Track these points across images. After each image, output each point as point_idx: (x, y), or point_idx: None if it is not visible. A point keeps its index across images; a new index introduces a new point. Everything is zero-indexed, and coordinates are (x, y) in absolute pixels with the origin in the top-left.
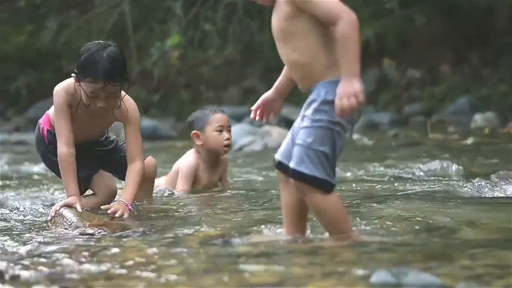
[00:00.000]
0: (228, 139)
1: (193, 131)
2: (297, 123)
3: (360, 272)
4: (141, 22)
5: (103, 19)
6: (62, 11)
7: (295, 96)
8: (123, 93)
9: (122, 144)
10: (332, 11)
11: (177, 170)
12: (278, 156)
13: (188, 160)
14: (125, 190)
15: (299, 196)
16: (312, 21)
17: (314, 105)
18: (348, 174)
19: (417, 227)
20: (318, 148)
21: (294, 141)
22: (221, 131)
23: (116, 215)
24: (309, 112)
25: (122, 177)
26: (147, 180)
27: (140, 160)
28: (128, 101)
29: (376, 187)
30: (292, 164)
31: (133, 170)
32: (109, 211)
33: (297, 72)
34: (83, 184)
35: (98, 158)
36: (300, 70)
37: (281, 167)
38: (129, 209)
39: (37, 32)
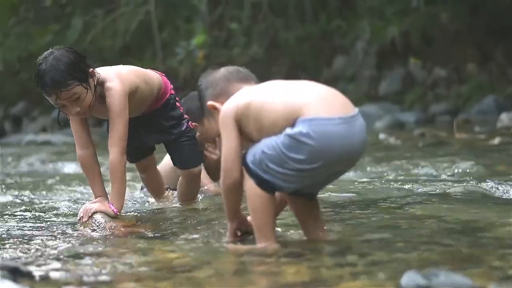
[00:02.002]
0: None
1: (192, 124)
2: None
3: (390, 273)
4: (166, 21)
5: (128, 18)
6: (88, 10)
7: None
8: (108, 81)
9: (188, 127)
10: None
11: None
12: None
13: None
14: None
15: (306, 203)
16: None
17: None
18: (375, 174)
19: (446, 227)
20: (265, 161)
21: None
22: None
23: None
24: None
25: (181, 165)
26: (189, 180)
27: (112, 150)
28: (110, 90)
29: (403, 187)
30: None
31: (109, 164)
32: (80, 210)
33: None
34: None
35: (160, 139)
36: None
37: None
38: (113, 211)
39: (62, 32)
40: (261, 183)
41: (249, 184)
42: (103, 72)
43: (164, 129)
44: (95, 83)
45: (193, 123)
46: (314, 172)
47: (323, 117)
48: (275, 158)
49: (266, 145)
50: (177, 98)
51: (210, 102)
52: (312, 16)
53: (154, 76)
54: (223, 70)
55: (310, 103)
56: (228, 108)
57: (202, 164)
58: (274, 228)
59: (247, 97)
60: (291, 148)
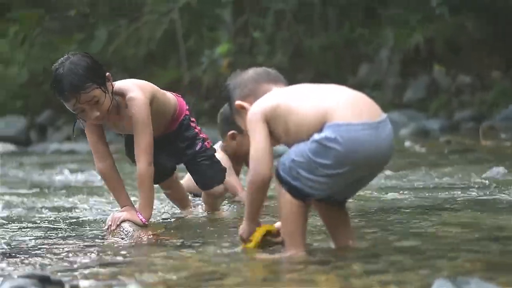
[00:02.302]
0: None
1: (231, 132)
2: None
3: (419, 281)
4: (190, 29)
5: (152, 27)
6: (112, 20)
7: None
8: (130, 92)
9: (202, 147)
10: None
11: None
12: None
13: (224, 162)
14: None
15: (336, 210)
16: None
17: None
18: (402, 181)
19: (475, 234)
20: (296, 168)
21: None
22: None
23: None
24: None
25: (202, 186)
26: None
27: (139, 161)
28: (133, 100)
29: (431, 194)
30: None
31: (137, 175)
32: (108, 219)
33: None
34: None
35: (180, 159)
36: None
37: None
38: (141, 220)
39: (86, 41)
40: (292, 190)
41: (281, 192)
42: (119, 83)
43: (180, 151)
44: (111, 87)
45: (234, 132)
46: (342, 177)
47: (351, 123)
48: (305, 165)
49: (296, 152)
50: (191, 118)
51: (238, 102)
52: (336, 24)
53: (169, 95)
54: (251, 71)
55: (338, 108)
56: (256, 109)
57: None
58: (304, 236)
59: (276, 99)
60: (318, 153)
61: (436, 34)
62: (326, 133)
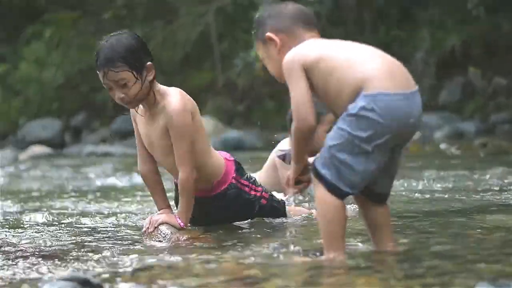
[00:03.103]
0: None
1: None
2: None
3: (460, 284)
4: (225, 32)
5: (188, 30)
6: (147, 22)
7: None
8: (168, 91)
9: (260, 206)
10: None
11: (273, 162)
12: None
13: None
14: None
15: (378, 211)
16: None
17: (342, 115)
18: (440, 184)
19: None
20: (335, 153)
21: None
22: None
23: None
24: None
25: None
26: None
27: (181, 169)
28: (170, 100)
29: (469, 197)
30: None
31: (178, 181)
32: (145, 222)
33: None
34: None
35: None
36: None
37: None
38: (180, 224)
39: None
40: (331, 188)
41: (319, 191)
42: (165, 87)
43: (229, 215)
44: (150, 79)
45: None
46: (380, 150)
47: (388, 93)
48: (344, 145)
49: (331, 138)
50: (241, 181)
51: (269, 34)
52: (372, 27)
53: (215, 154)
54: (291, 7)
55: (376, 77)
56: (297, 56)
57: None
58: (343, 238)
59: (318, 51)
60: (356, 126)
61: (472, 36)
62: (362, 103)
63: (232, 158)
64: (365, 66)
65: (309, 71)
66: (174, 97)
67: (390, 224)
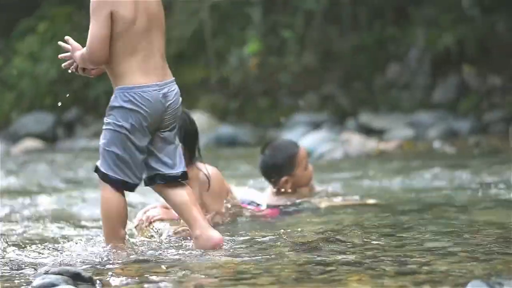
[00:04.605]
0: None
1: (283, 178)
2: None
3: (453, 282)
4: (220, 29)
5: (182, 26)
6: None
7: (373, 103)
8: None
9: None
10: None
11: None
12: None
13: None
14: None
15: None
16: (119, 26)
17: (107, 110)
18: (433, 182)
19: (507, 235)
20: (109, 148)
21: None
22: (307, 167)
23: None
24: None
25: None
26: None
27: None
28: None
29: (462, 194)
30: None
31: None
32: (138, 216)
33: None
34: None
35: None
36: (109, 73)
37: None
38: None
39: None
40: (113, 182)
41: (104, 191)
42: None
43: None
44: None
45: (287, 178)
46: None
47: (142, 85)
48: (114, 137)
49: (102, 138)
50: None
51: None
52: (367, 24)
53: None
54: None
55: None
56: None
57: None
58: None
59: None
60: (120, 117)
61: (467, 34)
62: (118, 96)
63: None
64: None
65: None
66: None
67: (195, 201)
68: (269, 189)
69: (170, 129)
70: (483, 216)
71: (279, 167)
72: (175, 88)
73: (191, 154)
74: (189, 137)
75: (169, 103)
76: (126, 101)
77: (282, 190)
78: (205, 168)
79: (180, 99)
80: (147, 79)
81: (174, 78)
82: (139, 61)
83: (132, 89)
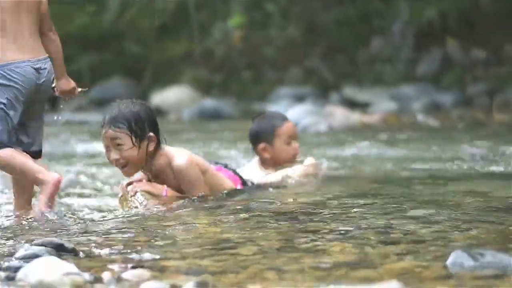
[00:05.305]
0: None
1: (260, 145)
2: None
3: (435, 252)
4: (203, 1)
5: None
6: None
7: (357, 76)
8: (176, 158)
9: None
10: None
11: None
12: None
13: (258, 178)
14: None
15: None
16: None
17: None
18: (417, 153)
19: (490, 205)
20: None
21: None
22: (290, 143)
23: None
24: None
25: None
26: None
27: None
28: (179, 167)
29: (445, 165)
30: None
31: None
32: (120, 188)
33: None
34: None
35: None
36: None
37: None
38: (164, 193)
39: (99, 12)
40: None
41: None
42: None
43: None
44: (150, 149)
45: (264, 145)
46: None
47: (15, 61)
48: None
49: None
50: None
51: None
52: None
53: (222, 177)
54: None
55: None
56: None
57: None
58: None
59: None
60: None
61: (450, 8)
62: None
63: (236, 176)
64: None
65: None
66: (179, 159)
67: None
68: (254, 159)
69: (40, 107)
70: (467, 186)
71: (258, 133)
72: (48, 65)
73: (158, 141)
74: (154, 126)
75: (43, 79)
76: (0, 77)
77: (262, 159)
78: (175, 157)
79: (53, 75)
80: (20, 56)
81: (47, 55)
82: (10, 41)
83: (6, 66)
